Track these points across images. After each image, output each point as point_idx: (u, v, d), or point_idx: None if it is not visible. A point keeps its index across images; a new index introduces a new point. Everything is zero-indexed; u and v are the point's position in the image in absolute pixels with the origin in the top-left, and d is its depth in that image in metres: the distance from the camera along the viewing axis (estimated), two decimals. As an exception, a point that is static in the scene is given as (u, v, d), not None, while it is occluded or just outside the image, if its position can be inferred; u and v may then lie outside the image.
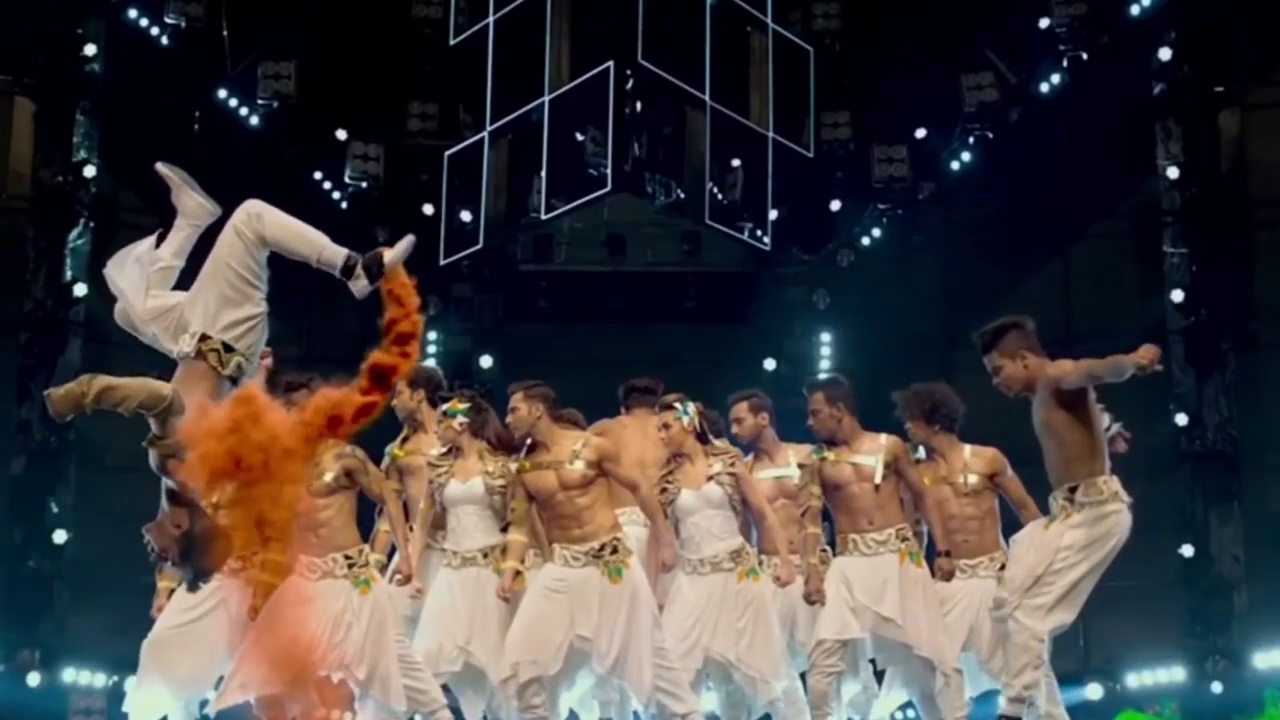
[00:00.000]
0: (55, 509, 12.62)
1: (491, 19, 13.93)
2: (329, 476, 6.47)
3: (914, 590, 6.57)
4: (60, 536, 12.53)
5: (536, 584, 6.53)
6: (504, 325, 14.63)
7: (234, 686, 6.33)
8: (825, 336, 14.51)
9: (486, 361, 14.00)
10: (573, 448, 6.54)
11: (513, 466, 6.67)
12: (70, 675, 11.99)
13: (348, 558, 6.47)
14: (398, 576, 6.68)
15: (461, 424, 6.84)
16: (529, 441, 6.64)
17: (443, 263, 13.82)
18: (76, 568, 12.66)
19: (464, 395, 7.03)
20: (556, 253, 14.66)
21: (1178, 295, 13.05)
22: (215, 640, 6.53)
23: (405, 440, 7.35)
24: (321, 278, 5.02)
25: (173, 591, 6.77)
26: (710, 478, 6.79)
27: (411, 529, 6.94)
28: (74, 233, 12.95)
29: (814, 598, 6.70)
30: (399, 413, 7.25)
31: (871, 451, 6.73)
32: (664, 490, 6.83)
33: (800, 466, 6.94)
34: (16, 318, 12.97)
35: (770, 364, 14.10)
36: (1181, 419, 12.95)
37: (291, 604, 5.68)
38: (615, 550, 6.47)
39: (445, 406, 6.92)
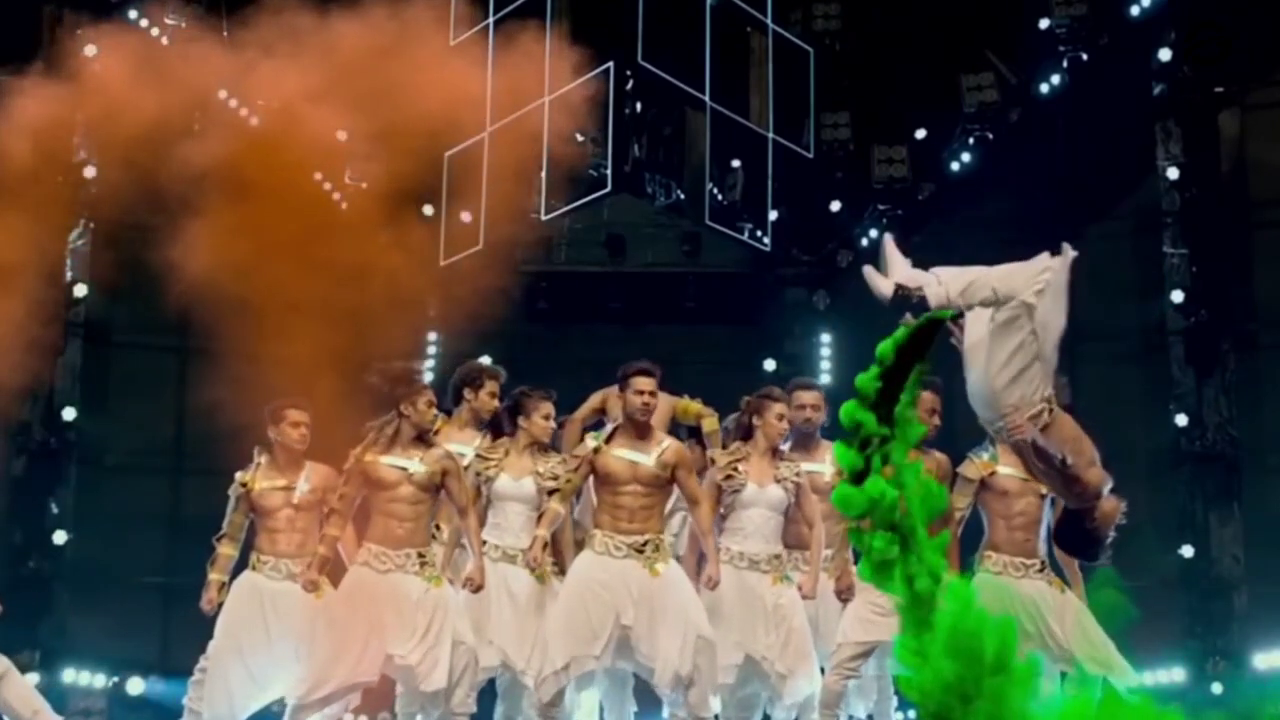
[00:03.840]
0: (55, 509, 12.61)
1: (491, 19, 13.91)
2: (426, 471, 6.63)
3: None
4: (60, 537, 12.52)
5: (576, 574, 6.60)
6: (503, 326, 14.59)
7: (313, 686, 6.42)
8: (825, 337, 14.49)
9: (486, 362, 13.95)
10: (658, 447, 6.65)
11: (590, 444, 6.73)
12: (70, 676, 11.97)
13: (420, 555, 6.60)
14: (470, 584, 6.60)
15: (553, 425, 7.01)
16: (611, 428, 6.75)
17: (443, 263, 13.79)
18: (76, 568, 12.65)
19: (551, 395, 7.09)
20: (556, 253, 14.64)
21: (1178, 295, 13.04)
22: (277, 655, 6.66)
23: (435, 433, 7.36)
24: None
25: (223, 585, 6.84)
26: (778, 480, 6.87)
27: (439, 526, 6.97)
28: (74, 233, 12.95)
29: (846, 595, 6.78)
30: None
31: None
32: (729, 477, 6.88)
33: None
34: (16, 317, 12.97)
35: (770, 364, 14.07)
36: (1181, 419, 12.94)
37: (357, 598, 6.22)
38: (657, 548, 6.56)
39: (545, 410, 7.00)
